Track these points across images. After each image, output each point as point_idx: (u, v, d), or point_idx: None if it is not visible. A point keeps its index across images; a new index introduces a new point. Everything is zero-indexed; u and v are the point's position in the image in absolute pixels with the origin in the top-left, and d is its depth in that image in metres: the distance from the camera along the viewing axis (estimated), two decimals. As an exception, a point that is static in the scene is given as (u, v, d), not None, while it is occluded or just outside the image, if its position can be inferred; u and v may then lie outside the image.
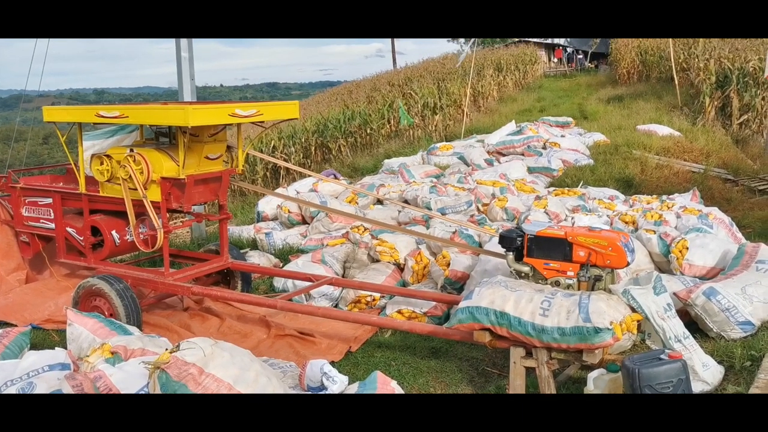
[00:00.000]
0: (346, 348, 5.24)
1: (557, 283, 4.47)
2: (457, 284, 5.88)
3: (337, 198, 8.90)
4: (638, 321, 4.06)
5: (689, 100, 17.04)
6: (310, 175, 8.37)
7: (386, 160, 13.26)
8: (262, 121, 5.74)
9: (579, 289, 4.41)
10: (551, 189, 8.88)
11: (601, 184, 10.17)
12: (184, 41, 8.43)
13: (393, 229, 6.47)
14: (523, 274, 4.63)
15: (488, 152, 12.22)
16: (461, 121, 18.12)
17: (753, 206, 9.28)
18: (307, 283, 5.87)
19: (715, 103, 15.52)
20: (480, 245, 6.29)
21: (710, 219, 6.43)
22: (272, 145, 21.14)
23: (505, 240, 4.66)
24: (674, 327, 4.09)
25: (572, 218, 7.24)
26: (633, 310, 4.06)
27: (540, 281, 4.57)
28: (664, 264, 5.84)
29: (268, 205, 8.99)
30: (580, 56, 33.22)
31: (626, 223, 6.74)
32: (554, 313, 4.01)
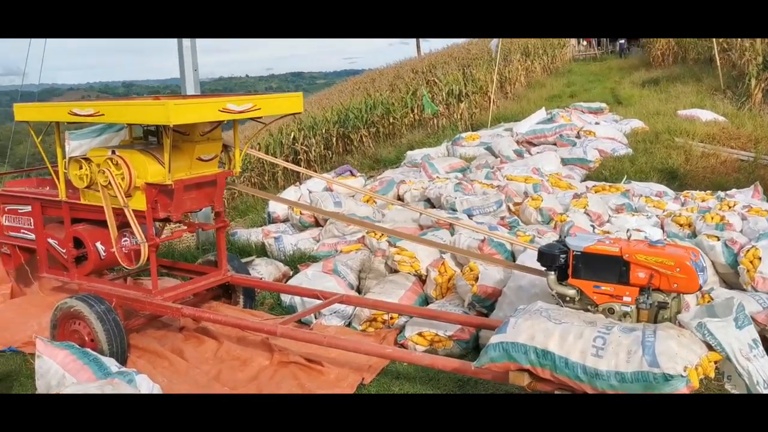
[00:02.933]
0: (359, 379, 4.52)
1: (611, 311, 3.68)
2: (487, 302, 5.11)
3: (353, 197, 8.16)
4: (716, 362, 3.27)
5: (732, 82, 15.94)
6: (317, 177, 7.59)
7: (409, 152, 12.49)
8: (261, 117, 5.02)
9: (638, 319, 3.62)
10: (590, 184, 8.02)
11: (643, 176, 9.31)
12: (185, 29, 7.75)
13: (409, 239, 5.70)
14: (567, 299, 3.85)
15: (517, 142, 11.37)
16: (488, 109, 17.23)
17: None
18: (317, 302, 5.16)
19: (762, 85, 14.42)
20: (513, 255, 5.51)
21: (781, 221, 5.57)
22: (292, 136, 20.50)
23: (546, 257, 3.88)
24: (763, 369, 3.27)
25: (616, 219, 6.43)
26: (710, 347, 3.26)
27: (589, 307, 3.79)
28: (730, 276, 5.01)
29: (279, 205, 8.28)
30: (622, 41, 31.31)
31: (681, 225, 5.91)
32: (611, 353, 3.24)
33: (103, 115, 4.55)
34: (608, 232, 5.67)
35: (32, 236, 5.53)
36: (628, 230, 4.20)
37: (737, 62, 16.48)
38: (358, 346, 4.27)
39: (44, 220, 5.50)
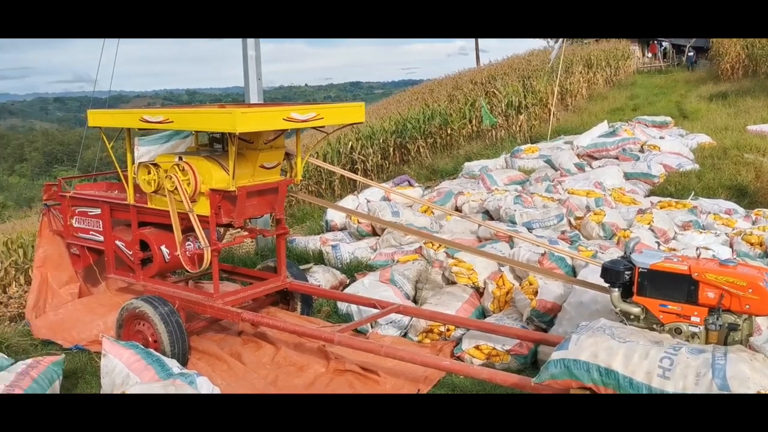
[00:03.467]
0: (414, 390, 4.50)
1: (678, 331, 3.57)
2: (547, 317, 5.02)
3: (411, 207, 8.15)
4: (791, 388, 3.12)
5: (807, 96, 15.34)
6: (376, 186, 7.60)
7: (467, 163, 12.42)
8: (323, 126, 5.07)
9: (707, 341, 3.50)
10: (655, 200, 7.81)
11: (711, 192, 9.00)
12: (250, 39, 7.91)
13: (467, 251, 5.65)
14: (632, 317, 3.75)
15: (578, 155, 11.16)
16: (547, 121, 17.01)
17: None
18: (374, 311, 5.16)
19: (839, 99, 13.80)
20: (574, 270, 5.41)
21: None
22: (350, 145, 20.66)
23: (610, 273, 3.79)
24: (841, 398, 3.11)
25: (682, 236, 6.23)
26: (783, 373, 3.12)
27: (654, 326, 3.68)
28: (804, 299, 4.78)
29: (337, 213, 8.35)
30: (691, 53, 30.03)
31: (752, 244, 5.69)
32: (678, 374, 3.13)
33: (172, 122, 4.69)
34: (674, 250, 5.51)
35: (101, 238, 5.72)
36: (697, 248, 4.06)
37: (813, 76, 15.84)
38: (415, 357, 4.25)
39: (112, 222, 5.68)
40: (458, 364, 4.26)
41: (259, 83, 8.09)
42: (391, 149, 20.52)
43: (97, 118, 5.26)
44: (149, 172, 5.04)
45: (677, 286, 3.56)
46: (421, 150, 19.79)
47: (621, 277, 3.75)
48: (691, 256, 3.73)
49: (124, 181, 5.43)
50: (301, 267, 6.62)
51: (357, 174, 20.84)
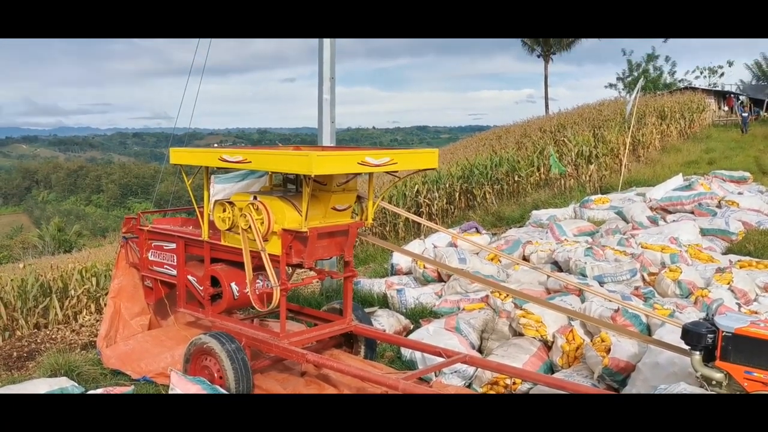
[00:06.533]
0: (479, 445, 4.37)
1: (765, 401, 3.36)
2: (619, 376, 4.82)
3: (478, 254, 8.07)
4: None
5: None
6: (442, 231, 7.55)
7: (534, 212, 12.28)
8: (396, 171, 5.11)
9: (797, 413, 3.27)
10: (734, 258, 7.49)
11: (794, 253, 8.57)
12: (326, 83, 8.11)
13: (536, 302, 5.52)
14: (714, 383, 3.56)
15: (651, 208, 10.86)
16: (618, 172, 16.67)
17: None
18: (438, 359, 5.09)
19: None
20: (648, 328, 5.20)
21: None
22: (416, 189, 20.75)
23: (692, 336, 3.63)
24: None
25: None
26: None
27: (737, 394, 3.48)
28: None
29: (403, 257, 8.33)
30: (745, 114, 28.35)
31: (842, 311, 5.36)
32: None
33: (250, 162, 4.81)
34: (756, 313, 5.24)
35: (174, 272, 5.87)
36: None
37: None
38: (481, 410, 4.14)
39: (186, 257, 5.83)
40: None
41: (332, 126, 8.26)
42: (457, 194, 20.51)
43: (178, 156, 5.45)
44: (224, 210, 5.17)
45: (764, 352, 3.37)
46: (488, 196, 19.69)
47: (703, 340, 3.59)
48: (779, 321, 3.54)
49: (199, 218, 5.58)
50: (366, 310, 6.61)
51: (422, 217, 20.91)
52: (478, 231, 9.14)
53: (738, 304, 5.61)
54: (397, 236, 17.66)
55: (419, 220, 7.96)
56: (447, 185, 20.46)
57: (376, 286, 7.79)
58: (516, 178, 19.81)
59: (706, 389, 3.56)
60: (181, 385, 4.32)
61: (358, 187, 5.47)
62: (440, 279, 7.72)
